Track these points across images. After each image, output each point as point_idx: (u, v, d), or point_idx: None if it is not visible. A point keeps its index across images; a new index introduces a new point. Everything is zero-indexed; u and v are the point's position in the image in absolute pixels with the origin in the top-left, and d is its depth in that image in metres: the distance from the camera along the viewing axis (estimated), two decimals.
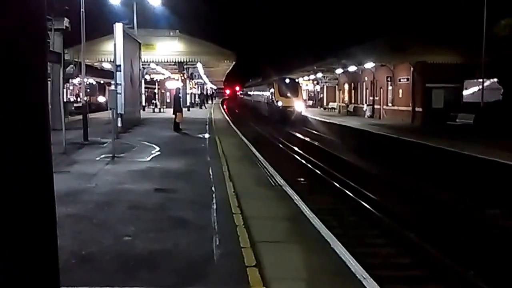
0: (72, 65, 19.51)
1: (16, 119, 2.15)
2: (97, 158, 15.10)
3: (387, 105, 44.27)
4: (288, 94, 46.03)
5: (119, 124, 18.72)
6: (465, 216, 12.90)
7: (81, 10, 18.03)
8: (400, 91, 41.23)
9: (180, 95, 27.56)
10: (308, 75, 65.77)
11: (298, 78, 57.64)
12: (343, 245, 7.55)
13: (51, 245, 2.37)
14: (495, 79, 31.32)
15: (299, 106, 45.91)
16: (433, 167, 19.90)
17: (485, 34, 30.98)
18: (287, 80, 49.20)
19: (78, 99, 49.01)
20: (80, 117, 20.83)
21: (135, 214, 8.88)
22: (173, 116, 25.25)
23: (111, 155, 15.17)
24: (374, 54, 40.82)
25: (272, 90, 48.56)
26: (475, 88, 32.50)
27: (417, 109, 38.35)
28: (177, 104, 25.29)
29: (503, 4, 31.58)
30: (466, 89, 33.82)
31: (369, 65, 43.04)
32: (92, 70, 43.85)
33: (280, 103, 45.76)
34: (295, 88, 47.71)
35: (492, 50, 31.29)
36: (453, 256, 9.66)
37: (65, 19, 16.74)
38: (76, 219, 8.42)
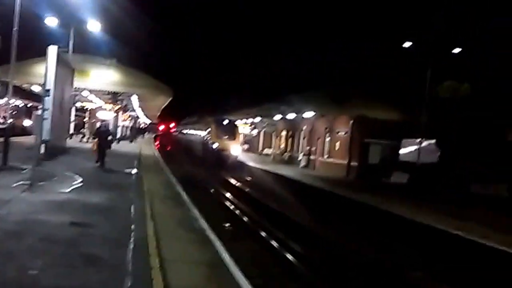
0: None
1: None
2: (14, 185, 14.33)
3: (323, 157, 44.28)
4: (225, 136, 44.18)
5: (42, 151, 17.94)
6: (387, 276, 12.94)
7: (14, 28, 17.40)
8: (338, 143, 41.19)
9: (107, 127, 25.91)
10: (246, 118, 65.48)
11: (236, 120, 55.90)
12: None
13: None
14: (433, 141, 32.01)
15: (235, 150, 44.36)
16: (361, 223, 20.07)
17: (427, 94, 31.82)
18: (225, 121, 47.26)
19: (2, 121, 47.17)
20: (1, 139, 19.89)
21: (46, 247, 8.35)
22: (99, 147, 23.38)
23: (29, 182, 14.43)
24: (314, 104, 41.15)
25: (208, 130, 46.65)
26: (412, 148, 33.12)
27: (352, 163, 38.24)
28: (100, 134, 23.58)
29: (447, 66, 32.79)
30: (404, 147, 34.40)
31: (308, 114, 43.29)
32: (20, 92, 42.37)
33: (215, 145, 43.88)
34: (232, 131, 45.84)
35: (433, 111, 32.13)
36: None
37: None
38: None
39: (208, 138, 45.76)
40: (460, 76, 34.89)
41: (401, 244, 16.89)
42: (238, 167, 41.65)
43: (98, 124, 44.47)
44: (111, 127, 41.20)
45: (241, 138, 54.13)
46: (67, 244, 8.75)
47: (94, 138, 24.29)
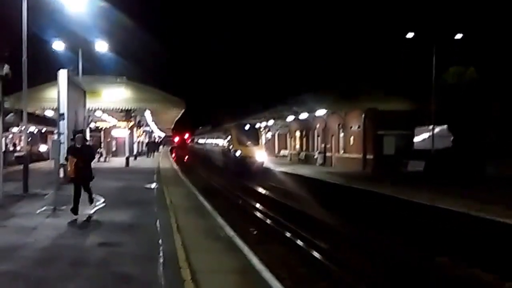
0: (12, 113, 18.63)
1: None
2: (37, 211, 14.45)
3: (338, 153, 44.41)
4: (248, 142, 40.99)
5: (61, 175, 18.03)
6: (415, 264, 12.83)
7: (24, 57, 17.55)
8: (352, 138, 41.49)
9: (86, 141, 15.66)
10: (260, 122, 65.22)
11: (256, 124, 51.53)
12: None
13: None
14: (445, 126, 32.02)
15: (260, 156, 41.14)
16: (383, 214, 19.98)
17: (434, 81, 31.89)
18: (247, 126, 43.74)
19: (17, 148, 47.67)
20: (21, 167, 20.06)
21: (77, 271, 8.40)
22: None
23: (52, 207, 14.54)
24: (325, 101, 41.14)
25: (229, 137, 43.45)
26: (426, 135, 33.15)
27: (368, 156, 38.52)
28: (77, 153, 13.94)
29: (451, 52, 32.83)
30: (417, 136, 34.42)
31: (320, 112, 43.27)
32: (34, 118, 42.63)
33: (238, 153, 40.76)
34: (255, 135, 42.61)
35: (441, 97, 32.18)
36: None
37: (6, 65, 16.21)
38: (11, 276, 7.88)
39: (229, 146, 42.87)
40: (465, 61, 34.93)
41: (427, 230, 16.74)
42: (265, 174, 39.30)
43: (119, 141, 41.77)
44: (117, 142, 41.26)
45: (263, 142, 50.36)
46: (98, 265, 8.80)
47: (66, 160, 14.37)
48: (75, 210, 13.49)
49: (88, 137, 35.59)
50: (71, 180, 14.04)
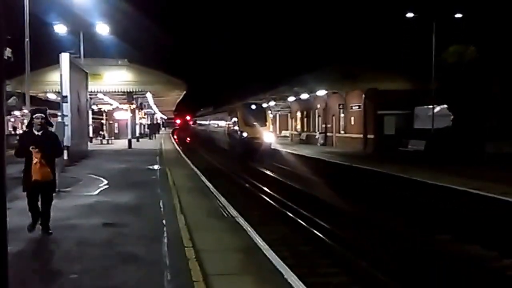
0: (14, 97, 18.60)
1: None
2: None
3: (339, 133, 44.62)
4: (255, 123, 39.19)
5: (65, 157, 18.21)
6: (416, 242, 12.97)
7: (26, 40, 17.62)
8: (352, 118, 41.71)
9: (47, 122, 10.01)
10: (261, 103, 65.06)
11: (263, 103, 49.62)
12: (296, 276, 7.48)
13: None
14: (445, 106, 32.14)
15: (268, 137, 39.48)
16: (384, 193, 20.14)
17: (434, 60, 31.95)
18: (253, 106, 41.72)
19: (19, 131, 47.68)
20: None
21: (82, 251, 8.56)
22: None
23: (56, 189, 14.67)
24: (326, 82, 41.17)
25: (235, 118, 41.41)
26: (425, 115, 33.29)
27: (369, 136, 38.77)
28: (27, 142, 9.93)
29: (451, 31, 32.85)
30: (417, 115, 34.58)
31: (321, 92, 43.25)
32: (36, 101, 42.69)
33: (245, 134, 38.97)
34: (262, 115, 40.79)
35: (442, 76, 32.28)
36: (407, 284, 9.65)
37: (7, 49, 16.23)
38: (18, 257, 8.00)
39: (235, 127, 40.98)
40: (466, 40, 34.89)
41: (428, 208, 16.90)
42: (271, 155, 37.70)
43: (121, 124, 42.05)
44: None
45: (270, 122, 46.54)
46: (103, 245, 8.96)
47: (18, 153, 10.16)
48: (33, 225, 9.61)
49: (91, 120, 35.54)
50: (27, 184, 9.68)
